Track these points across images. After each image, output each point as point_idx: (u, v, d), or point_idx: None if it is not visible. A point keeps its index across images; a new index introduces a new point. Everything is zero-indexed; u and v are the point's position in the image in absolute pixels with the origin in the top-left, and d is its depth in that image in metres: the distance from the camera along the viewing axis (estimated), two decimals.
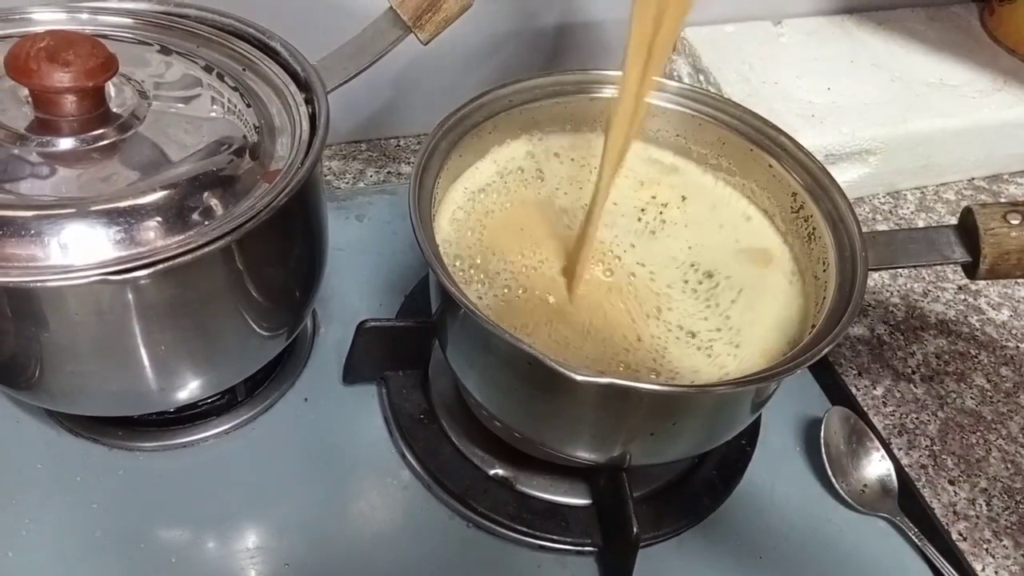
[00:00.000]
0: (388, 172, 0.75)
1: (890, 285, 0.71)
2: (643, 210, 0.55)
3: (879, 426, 0.60)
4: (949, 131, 0.77)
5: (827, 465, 0.56)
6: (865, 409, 0.61)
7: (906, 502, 0.56)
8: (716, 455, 0.56)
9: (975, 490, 0.57)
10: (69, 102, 0.43)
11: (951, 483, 0.58)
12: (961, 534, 0.55)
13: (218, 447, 0.54)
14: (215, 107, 0.47)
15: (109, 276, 0.39)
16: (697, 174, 0.57)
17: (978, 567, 0.53)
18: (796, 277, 0.52)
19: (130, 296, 0.41)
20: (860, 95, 0.78)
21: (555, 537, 0.51)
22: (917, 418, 0.61)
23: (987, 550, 0.54)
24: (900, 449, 0.59)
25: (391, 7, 0.53)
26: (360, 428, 0.56)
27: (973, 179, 0.84)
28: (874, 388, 0.63)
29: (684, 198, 0.56)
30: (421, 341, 0.57)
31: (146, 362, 0.45)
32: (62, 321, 0.42)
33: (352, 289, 0.64)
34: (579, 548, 0.51)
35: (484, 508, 0.52)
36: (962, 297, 0.71)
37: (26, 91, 0.43)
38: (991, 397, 0.63)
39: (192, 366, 0.48)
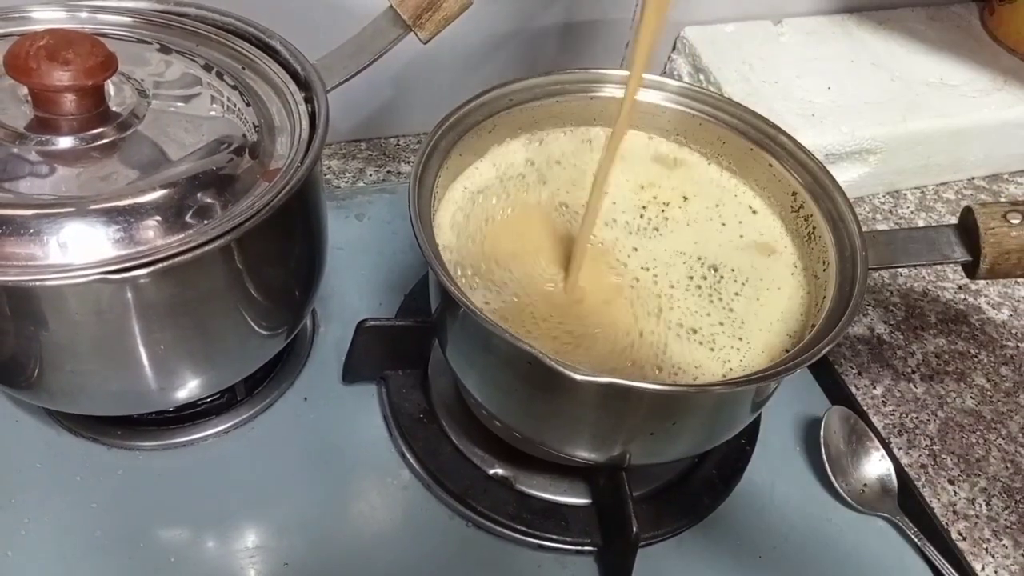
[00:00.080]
0: (388, 171, 0.75)
1: (890, 284, 0.71)
2: (644, 207, 0.55)
3: (879, 426, 0.60)
4: (949, 131, 0.77)
5: (827, 465, 0.56)
6: (865, 409, 0.61)
7: (906, 502, 0.56)
8: (716, 454, 0.56)
9: (975, 489, 0.57)
10: (68, 101, 0.43)
11: (951, 483, 0.58)
12: (961, 534, 0.55)
13: (218, 446, 0.54)
14: (215, 106, 0.47)
15: (108, 275, 0.39)
16: (702, 166, 0.57)
17: (978, 567, 0.53)
18: (799, 269, 0.52)
19: (129, 295, 0.41)
20: (860, 94, 0.78)
21: (555, 537, 0.51)
22: (917, 417, 0.61)
23: (987, 549, 0.54)
24: (900, 449, 0.59)
25: (391, 6, 0.53)
26: (360, 428, 0.56)
27: (973, 179, 0.84)
28: (874, 387, 0.63)
29: (685, 198, 0.56)
30: (421, 340, 0.56)
31: (145, 361, 0.45)
32: (61, 320, 0.41)
33: (352, 288, 0.64)
34: (579, 548, 0.51)
35: (484, 508, 0.52)
36: (962, 296, 0.71)
37: (25, 90, 0.43)
38: (991, 397, 0.63)
39: (191, 365, 0.48)
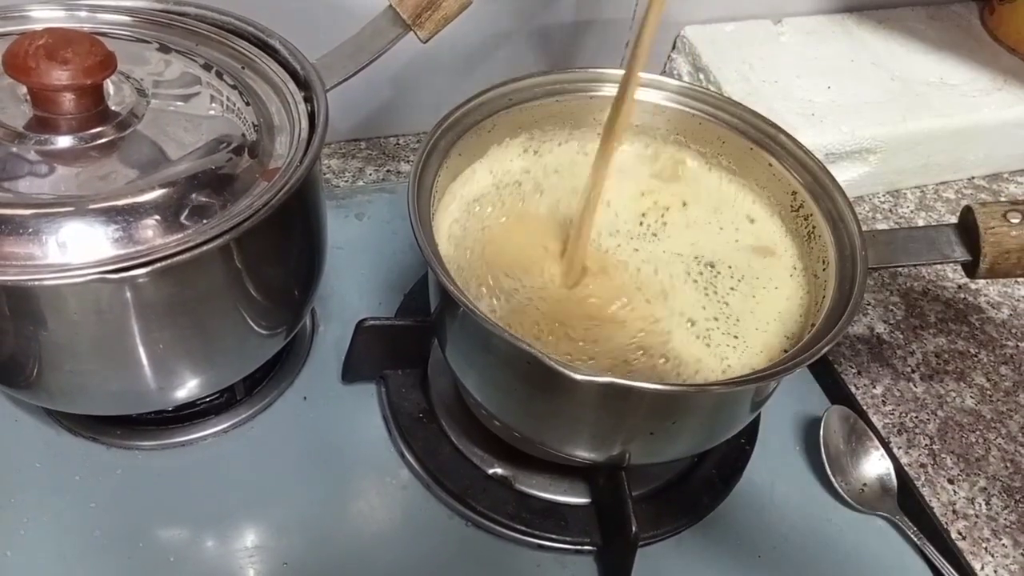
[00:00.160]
0: (387, 170, 0.75)
1: (890, 284, 0.71)
2: (644, 215, 0.55)
3: (878, 425, 0.60)
4: (949, 130, 0.77)
5: (826, 464, 0.56)
6: (864, 408, 0.61)
7: (905, 501, 0.56)
8: (715, 454, 0.56)
9: (974, 489, 0.57)
10: (67, 100, 0.43)
11: (950, 482, 0.58)
12: (960, 533, 0.55)
13: (217, 446, 0.54)
14: (214, 105, 0.47)
15: (107, 275, 0.39)
16: (703, 172, 0.57)
17: (977, 566, 0.53)
18: (798, 272, 0.52)
19: (128, 295, 0.41)
20: (860, 94, 0.78)
21: (554, 536, 0.51)
22: (916, 417, 0.61)
23: (986, 549, 0.54)
24: (899, 448, 0.59)
25: (390, 5, 0.53)
26: (359, 427, 0.56)
27: (973, 178, 0.84)
28: (873, 387, 0.63)
29: (685, 204, 0.56)
30: (420, 340, 0.56)
31: (145, 361, 0.45)
32: (60, 320, 0.41)
33: (351, 288, 0.64)
34: (578, 547, 0.51)
35: (483, 507, 0.52)
36: (962, 296, 0.71)
37: (24, 89, 0.43)
38: (990, 396, 0.63)
39: (191, 365, 0.48)
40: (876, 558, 0.54)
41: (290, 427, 0.56)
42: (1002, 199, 0.80)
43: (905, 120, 0.76)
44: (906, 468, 0.58)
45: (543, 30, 0.76)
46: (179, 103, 0.47)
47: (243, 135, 0.46)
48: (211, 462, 0.53)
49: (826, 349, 0.42)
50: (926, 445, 0.59)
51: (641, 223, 0.55)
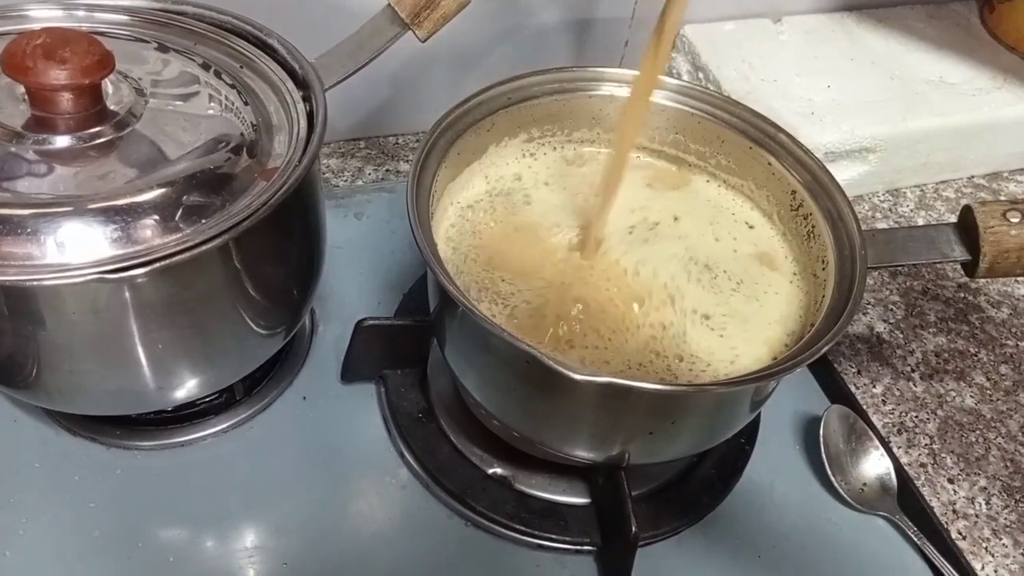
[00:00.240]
0: (387, 170, 0.75)
1: (889, 283, 0.71)
2: (632, 227, 0.54)
3: (878, 424, 0.60)
4: (949, 129, 0.77)
5: (826, 464, 0.56)
6: (864, 407, 0.61)
7: (905, 501, 0.56)
8: (715, 454, 0.56)
9: (974, 488, 0.57)
10: (66, 100, 0.43)
11: (950, 481, 0.57)
12: (960, 533, 0.55)
13: (216, 446, 0.54)
14: (212, 105, 0.47)
15: (106, 275, 0.39)
16: (700, 183, 0.57)
17: (977, 566, 0.53)
18: (798, 278, 0.52)
19: (127, 295, 0.41)
20: (860, 93, 0.78)
21: (554, 536, 0.51)
22: (916, 416, 0.61)
23: (986, 549, 0.54)
24: (899, 447, 0.59)
25: (389, 4, 0.53)
26: (358, 427, 0.56)
27: (973, 177, 0.84)
28: (873, 386, 0.63)
29: (676, 218, 0.55)
30: (420, 340, 0.56)
31: (144, 361, 0.45)
32: (59, 320, 0.41)
33: (350, 287, 0.63)
34: (578, 547, 0.51)
35: (483, 507, 0.52)
36: (961, 295, 0.71)
37: (22, 89, 0.43)
38: (990, 395, 0.63)
39: (190, 365, 0.48)
40: (876, 558, 0.54)
41: (289, 427, 0.55)
42: (1002, 198, 0.81)
43: (905, 119, 0.76)
44: (906, 467, 0.58)
45: (542, 29, 0.76)
46: (177, 102, 0.47)
47: (242, 134, 0.46)
48: (210, 462, 0.53)
49: (826, 348, 0.42)
50: (926, 444, 0.59)
51: (629, 233, 0.54)
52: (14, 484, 0.51)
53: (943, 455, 0.59)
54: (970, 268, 0.50)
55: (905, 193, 0.81)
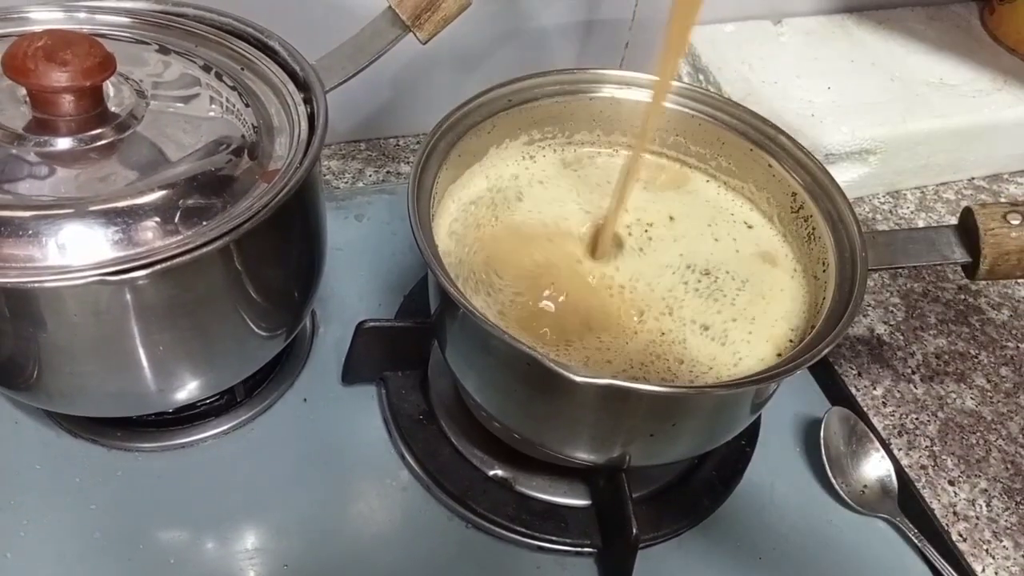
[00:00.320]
0: (387, 172, 0.75)
1: (890, 285, 0.71)
2: (628, 227, 0.54)
3: (879, 426, 0.60)
4: (949, 131, 0.77)
5: (827, 466, 0.56)
6: (865, 409, 0.61)
7: (906, 503, 0.55)
8: (716, 456, 0.56)
9: (975, 491, 0.57)
10: (67, 102, 0.43)
11: (951, 484, 0.57)
12: (961, 535, 0.55)
13: (217, 448, 0.54)
14: (213, 106, 0.47)
15: (107, 277, 0.39)
16: (700, 181, 0.57)
17: (978, 568, 0.53)
18: (798, 273, 0.52)
19: (128, 297, 0.41)
20: (860, 94, 0.78)
21: (554, 538, 0.51)
22: (917, 418, 0.61)
23: (987, 551, 0.54)
24: (900, 449, 0.59)
25: (390, 6, 0.53)
26: (359, 429, 0.56)
27: (973, 179, 0.84)
28: (874, 388, 0.63)
29: (672, 218, 0.55)
30: (420, 341, 0.56)
31: (145, 363, 0.45)
32: (60, 322, 0.41)
33: (351, 289, 0.63)
34: (578, 549, 0.51)
35: (483, 509, 0.52)
36: (962, 297, 0.71)
37: (24, 91, 0.43)
38: (991, 397, 0.63)
39: (191, 367, 0.48)
40: (877, 560, 0.54)
41: (290, 429, 0.55)
42: (1002, 200, 0.81)
43: (905, 121, 0.76)
44: (906, 469, 0.58)
45: (543, 31, 0.76)
46: (178, 104, 0.47)
47: (243, 136, 0.46)
48: (211, 464, 0.53)
49: (827, 351, 0.42)
50: (927, 447, 0.59)
51: (629, 234, 0.54)
52: (15, 486, 0.51)
53: (944, 457, 0.59)
54: (970, 270, 0.50)
55: (905, 195, 0.81)
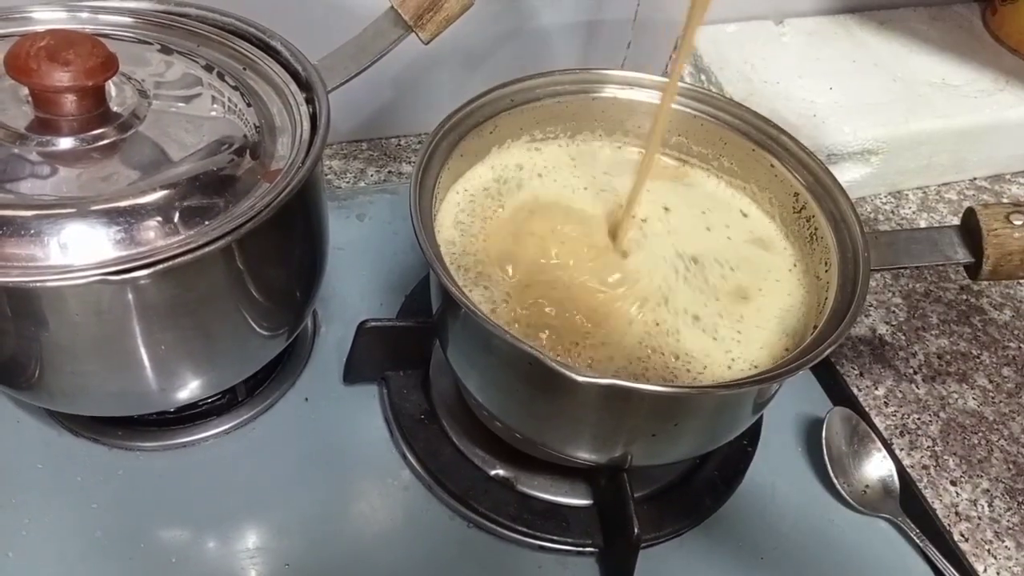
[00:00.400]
0: (389, 171, 0.75)
1: (892, 285, 0.71)
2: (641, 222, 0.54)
3: (881, 426, 0.60)
4: (951, 131, 0.77)
5: (828, 466, 0.56)
6: (867, 409, 0.61)
7: (908, 503, 0.55)
8: (717, 455, 0.56)
9: (977, 491, 0.57)
10: (69, 101, 0.43)
11: (953, 484, 0.57)
12: (963, 535, 0.55)
13: (218, 447, 0.54)
14: (215, 106, 0.47)
15: (109, 276, 0.39)
16: (700, 176, 0.57)
17: (980, 568, 0.53)
18: (798, 269, 0.52)
19: (130, 296, 0.41)
20: (862, 95, 0.78)
21: (556, 538, 0.51)
22: (919, 419, 0.61)
23: (989, 551, 0.54)
24: (902, 450, 0.59)
25: (392, 6, 0.53)
26: (361, 428, 0.56)
27: (975, 179, 0.84)
28: (876, 388, 0.63)
29: (667, 209, 0.55)
30: (422, 341, 0.56)
31: (146, 362, 0.45)
32: (62, 321, 0.41)
33: (353, 289, 0.64)
34: (580, 548, 0.51)
35: (485, 508, 0.52)
36: (964, 297, 0.71)
37: (26, 90, 0.43)
38: (993, 398, 0.63)
39: (192, 366, 0.48)
40: (878, 560, 0.54)
41: (291, 428, 0.56)
42: (1004, 200, 0.81)
43: (907, 121, 0.76)
44: (908, 470, 0.58)
45: (545, 31, 0.76)
46: (181, 104, 0.47)
47: (245, 136, 0.46)
48: (213, 463, 0.53)
49: (829, 351, 0.42)
50: (928, 447, 0.59)
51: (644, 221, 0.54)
52: (17, 485, 0.51)
53: (945, 457, 0.59)
54: (973, 271, 0.50)
55: (907, 195, 0.81)
